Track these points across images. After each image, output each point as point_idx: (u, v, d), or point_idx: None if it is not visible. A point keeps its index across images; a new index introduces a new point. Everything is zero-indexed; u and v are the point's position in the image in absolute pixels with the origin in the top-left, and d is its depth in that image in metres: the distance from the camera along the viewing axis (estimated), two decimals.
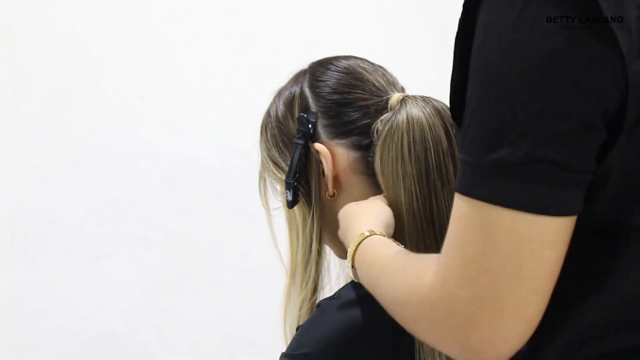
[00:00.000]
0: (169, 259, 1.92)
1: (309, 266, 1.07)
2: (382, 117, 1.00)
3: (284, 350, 0.99)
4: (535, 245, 0.62)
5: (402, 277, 0.76)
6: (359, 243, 0.91)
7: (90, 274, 1.86)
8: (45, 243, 1.83)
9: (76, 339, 1.85)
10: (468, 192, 0.65)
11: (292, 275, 1.09)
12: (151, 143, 1.91)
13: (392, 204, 0.99)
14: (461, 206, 0.66)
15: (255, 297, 1.93)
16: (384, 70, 1.09)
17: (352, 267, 0.92)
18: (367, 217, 0.96)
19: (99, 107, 1.88)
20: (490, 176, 0.63)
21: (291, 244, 1.09)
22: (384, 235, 0.93)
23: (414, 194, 0.97)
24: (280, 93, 1.10)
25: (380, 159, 0.99)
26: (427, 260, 0.72)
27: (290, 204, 1.05)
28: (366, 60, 1.09)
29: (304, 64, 1.12)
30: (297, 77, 1.10)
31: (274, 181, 1.12)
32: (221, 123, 1.95)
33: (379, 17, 2.07)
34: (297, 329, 1.03)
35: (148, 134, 1.91)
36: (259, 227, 1.22)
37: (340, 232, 1.01)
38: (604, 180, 0.65)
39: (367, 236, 0.92)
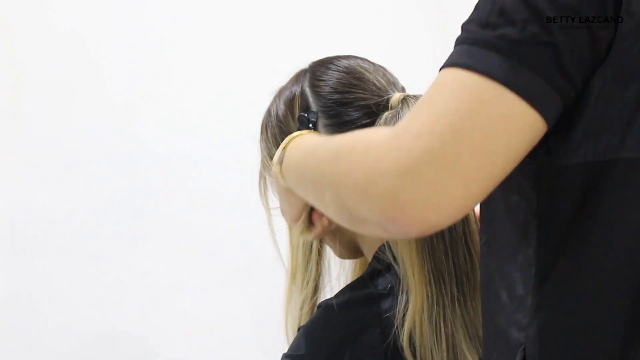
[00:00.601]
0: (169, 259, 1.91)
1: (310, 266, 1.07)
2: (384, 116, 1.00)
3: (285, 351, 0.99)
4: (509, 126, 0.62)
5: (344, 140, 0.72)
6: (292, 139, 0.88)
7: (90, 274, 1.86)
8: (45, 243, 1.83)
9: (76, 339, 1.85)
10: (456, 63, 0.65)
11: (293, 275, 1.09)
12: (151, 143, 1.91)
13: None
14: (442, 76, 0.65)
15: (255, 297, 1.93)
16: (385, 70, 1.09)
17: (281, 169, 0.89)
18: None
19: (99, 107, 1.88)
20: (485, 49, 0.63)
21: (291, 244, 1.09)
22: None
23: None
24: (280, 92, 1.10)
25: None
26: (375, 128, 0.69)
27: None
28: (367, 60, 1.09)
29: (304, 64, 1.12)
30: (298, 77, 1.09)
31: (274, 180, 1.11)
32: (221, 123, 1.95)
33: (379, 17, 2.07)
34: (298, 329, 1.03)
35: (148, 134, 1.91)
36: (258, 227, 1.22)
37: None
38: (580, 108, 0.65)
39: (303, 134, 0.89)
